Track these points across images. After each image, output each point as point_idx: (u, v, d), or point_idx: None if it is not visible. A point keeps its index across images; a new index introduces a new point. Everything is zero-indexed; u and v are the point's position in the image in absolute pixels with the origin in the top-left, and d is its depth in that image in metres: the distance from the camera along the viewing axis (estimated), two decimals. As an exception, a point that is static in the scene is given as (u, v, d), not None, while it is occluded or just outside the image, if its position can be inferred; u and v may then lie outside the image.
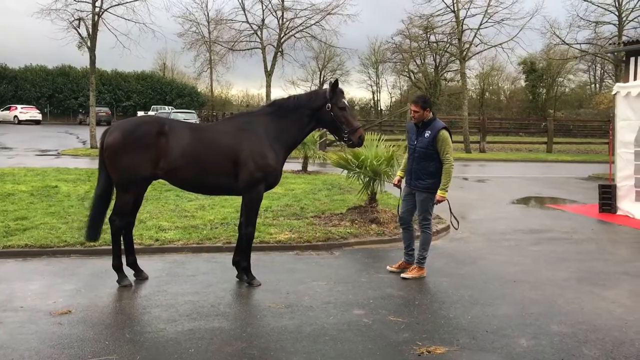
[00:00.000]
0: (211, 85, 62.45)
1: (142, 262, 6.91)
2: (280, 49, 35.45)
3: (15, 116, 49.32)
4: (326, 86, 6.47)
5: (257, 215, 6.45)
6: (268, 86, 37.05)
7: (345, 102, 6.29)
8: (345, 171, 10.07)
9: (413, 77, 62.16)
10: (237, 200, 6.39)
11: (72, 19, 22.32)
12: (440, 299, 6.03)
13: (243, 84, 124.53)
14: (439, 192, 6.59)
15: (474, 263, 7.54)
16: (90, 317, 5.18)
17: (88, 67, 24.17)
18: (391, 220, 9.33)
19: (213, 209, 10.29)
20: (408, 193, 6.92)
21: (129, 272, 6.36)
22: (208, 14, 47.62)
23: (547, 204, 13.10)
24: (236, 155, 6.04)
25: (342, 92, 6.30)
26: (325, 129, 7.13)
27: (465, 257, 7.75)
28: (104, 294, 5.90)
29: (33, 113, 50.36)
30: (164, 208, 10.33)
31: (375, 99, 70.45)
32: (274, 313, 5.39)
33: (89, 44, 22.66)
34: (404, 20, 38.68)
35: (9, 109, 50.72)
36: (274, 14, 35.54)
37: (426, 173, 6.63)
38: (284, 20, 35.05)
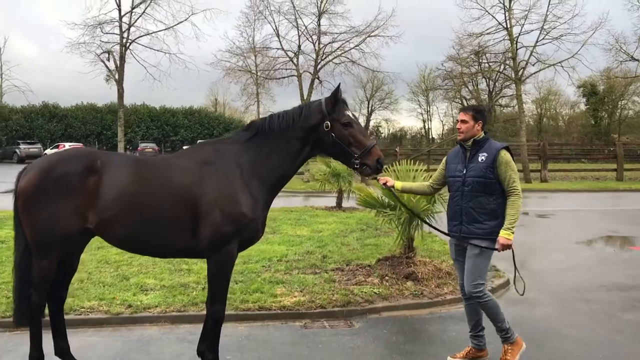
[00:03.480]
0: (258, 118, 61.86)
1: (96, 339, 5.43)
2: (317, 76, 33.83)
3: (62, 154, 49.42)
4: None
5: (228, 287, 4.51)
6: (305, 116, 35.52)
7: (351, 114, 4.42)
8: (374, 211, 8.13)
9: (466, 104, 59.93)
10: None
11: (101, 51, 21.50)
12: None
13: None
14: (502, 233, 4.54)
15: (545, 343, 5.36)
16: None
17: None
18: (432, 276, 7.29)
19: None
20: (460, 248, 4.92)
21: (60, 363, 4.63)
22: (255, 47, 46.88)
23: (629, 246, 10.70)
24: (195, 201, 4.20)
25: (344, 103, 4.45)
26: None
27: (531, 331, 5.58)
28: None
29: (79, 151, 50.32)
30: (160, 259, 8.58)
31: (426, 127, 68.38)
32: None
33: (117, 76, 21.77)
34: (454, 45, 36.42)
35: (57, 147, 51.06)
36: (309, 39, 34.11)
37: (485, 212, 4.65)
38: (321, 45, 33.53)
